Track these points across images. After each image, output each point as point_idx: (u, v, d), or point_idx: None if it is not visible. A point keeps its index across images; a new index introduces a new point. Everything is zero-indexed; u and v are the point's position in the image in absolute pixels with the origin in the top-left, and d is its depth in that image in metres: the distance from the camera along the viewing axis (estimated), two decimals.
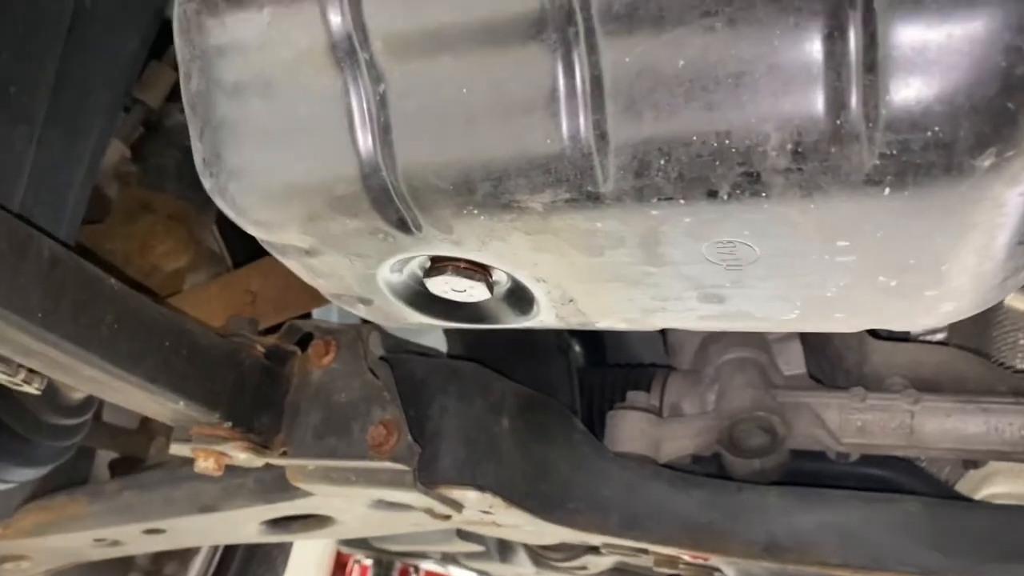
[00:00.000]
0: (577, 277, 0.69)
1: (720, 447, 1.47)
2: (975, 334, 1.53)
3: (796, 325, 0.70)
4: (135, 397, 1.02)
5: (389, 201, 0.64)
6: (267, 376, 1.17)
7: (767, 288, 0.65)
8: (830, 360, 1.61)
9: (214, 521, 1.34)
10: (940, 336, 1.60)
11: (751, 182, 0.54)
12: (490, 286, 0.73)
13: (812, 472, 1.55)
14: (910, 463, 1.55)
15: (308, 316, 1.52)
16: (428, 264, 0.74)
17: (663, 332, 1.75)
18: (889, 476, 1.53)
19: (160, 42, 1.62)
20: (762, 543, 1.30)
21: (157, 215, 1.59)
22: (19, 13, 1.05)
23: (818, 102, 0.51)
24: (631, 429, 1.44)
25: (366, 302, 0.81)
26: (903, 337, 1.57)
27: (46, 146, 1.09)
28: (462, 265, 0.72)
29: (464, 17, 0.57)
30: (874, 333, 1.53)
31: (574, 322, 0.77)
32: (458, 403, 1.18)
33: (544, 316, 0.77)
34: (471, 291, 0.74)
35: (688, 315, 0.71)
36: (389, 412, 1.10)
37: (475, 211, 0.62)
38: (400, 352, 1.25)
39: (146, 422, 1.87)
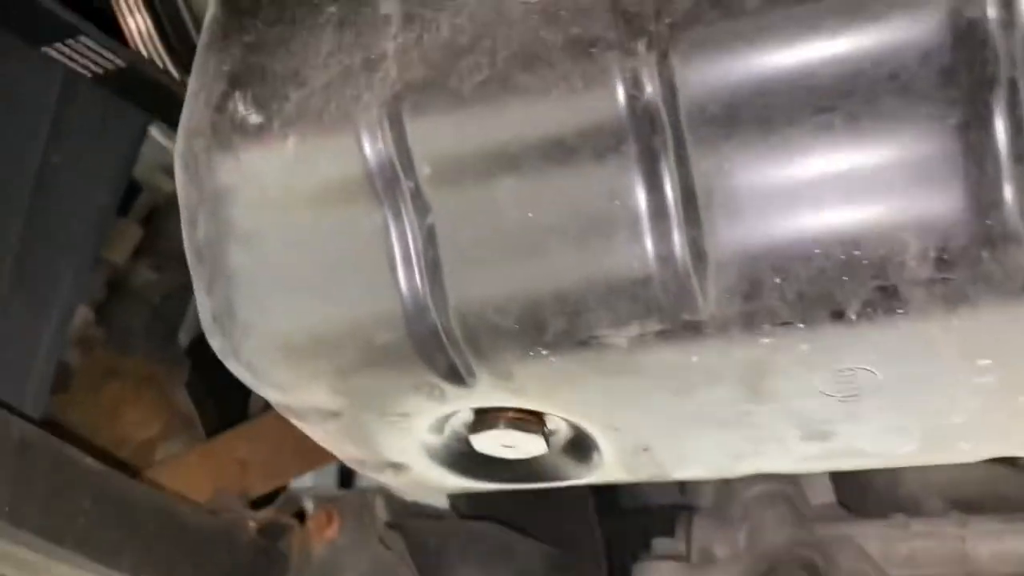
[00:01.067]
0: (659, 422, 0.59)
1: None
2: None
3: (911, 459, 0.61)
4: None
5: (438, 348, 0.55)
6: (263, 556, 1.04)
7: (884, 419, 0.56)
8: (859, 486, 1.51)
9: None
10: None
11: (886, 298, 0.46)
12: (546, 438, 0.63)
13: None
14: None
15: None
16: (473, 418, 0.64)
17: None
18: None
19: (124, 197, 1.53)
20: None
21: (125, 381, 1.46)
22: None
23: (963, 201, 0.44)
24: None
25: (398, 468, 0.70)
26: None
27: (11, 314, 0.98)
28: (514, 416, 0.62)
29: (529, 133, 0.49)
30: None
31: (644, 474, 0.67)
32: (481, 572, 1.05)
33: (609, 469, 0.66)
34: (524, 446, 0.64)
35: (785, 458, 0.62)
36: None
37: (544, 352, 0.53)
38: (407, 515, 1.12)
39: None
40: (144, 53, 0.98)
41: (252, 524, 1.05)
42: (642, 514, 1.54)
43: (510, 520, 1.19)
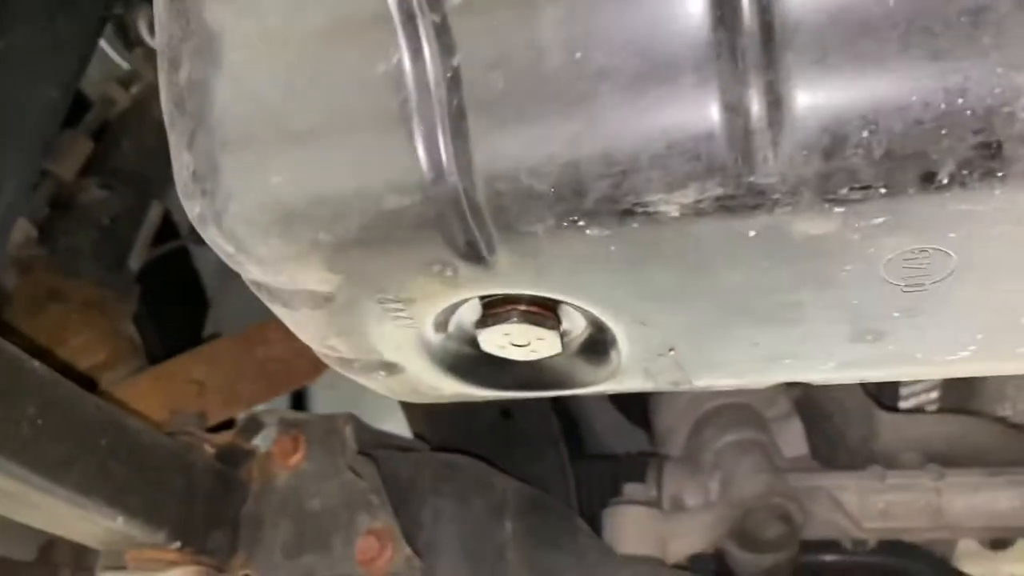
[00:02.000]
0: (694, 315, 0.53)
1: (731, 542, 1.31)
2: (965, 393, 1.44)
3: (962, 367, 0.56)
4: (59, 514, 0.80)
5: (457, 216, 0.48)
6: (221, 482, 0.96)
7: (947, 316, 0.51)
8: (829, 438, 1.48)
9: None
10: (933, 406, 1.51)
11: (987, 157, 0.40)
12: (562, 336, 0.57)
13: (824, 565, 1.41)
14: (926, 551, 1.42)
15: None
16: (481, 312, 0.57)
17: (643, 418, 1.61)
18: (908, 566, 1.39)
19: (73, 111, 1.42)
20: None
21: (70, 304, 1.36)
22: None
23: None
24: (634, 527, 1.27)
25: (391, 370, 0.63)
26: (892, 407, 1.47)
27: None
28: (528, 309, 0.56)
29: None
30: (881, 404, 1.42)
31: (664, 380, 0.61)
32: (454, 505, 1.00)
33: (625, 374, 0.60)
34: (537, 345, 0.57)
35: (824, 363, 0.56)
36: (379, 519, 0.91)
37: (581, 223, 0.46)
38: (379, 446, 1.05)
39: (46, 551, 1.57)
40: None
41: (210, 448, 0.97)
42: (610, 461, 1.49)
43: (480, 457, 1.13)
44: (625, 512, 1.29)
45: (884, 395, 1.49)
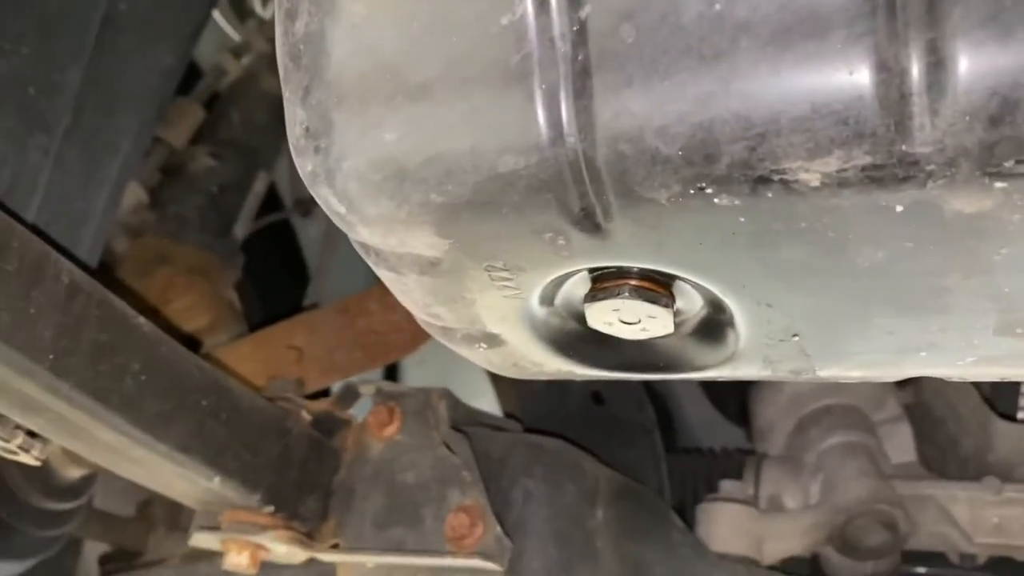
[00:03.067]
0: (825, 298, 0.49)
1: (831, 546, 1.26)
2: None
3: None
4: (159, 470, 0.81)
5: (576, 180, 0.45)
6: (315, 450, 0.96)
7: None
8: (940, 446, 1.40)
9: None
10: None
11: None
12: (675, 315, 0.54)
13: None
14: None
15: None
16: (590, 285, 0.55)
17: (745, 413, 1.56)
18: None
19: (186, 79, 1.45)
20: None
21: (176, 268, 1.39)
22: (43, 8, 0.88)
23: None
24: (730, 525, 1.22)
25: (492, 341, 0.61)
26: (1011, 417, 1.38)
27: (64, 165, 0.90)
28: (641, 283, 0.53)
29: None
30: (999, 413, 1.33)
31: (786, 369, 0.57)
32: (545, 488, 0.97)
33: (743, 360, 0.57)
34: (648, 323, 0.54)
35: (963, 357, 0.52)
36: (471, 496, 0.89)
37: (710, 190, 0.43)
38: (471, 423, 1.04)
39: (144, 508, 1.62)
40: None
41: (307, 415, 0.98)
42: (705, 456, 1.45)
43: (572, 442, 1.11)
44: (721, 509, 1.24)
45: (1001, 402, 1.40)
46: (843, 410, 1.37)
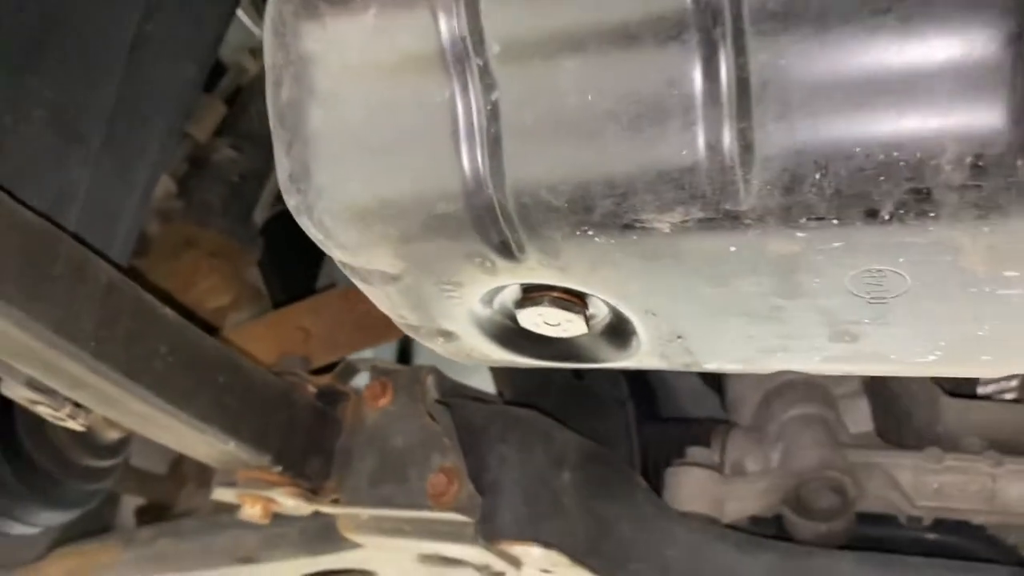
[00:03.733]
0: (695, 310, 0.62)
1: (786, 508, 1.39)
2: None
3: (935, 369, 0.63)
4: (183, 436, 0.96)
5: (492, 221, 0.59)
6: (319, 418, 1.11)
7: (910, 325, 0.58)
8: (897, 418, 1.52)
9: (252, 574, 1.26)
10: (1011, 394, 1.53)
11: (919, 200, 0.48)
12: (587, 320, 0.67)
13: (880, 538, 1.47)
14: (982, 529, 1.46)
15: None
16: (520, 295, 0.68)
17: (718, 386, 1.68)
18: (964, 544, 1.44)
19: (210, 76, 1.58)
20: None
21: (201, 251, 1.54)
22: (81, 35, 1.02)
23: (1006, 111, 0.45)
24: (693, 487, 1.36)
25: (447, 336, 0.75)
26: (971, 394, 1.50)
27: (100, 171, 1.05)
28: (559, 295, 0.66)
29: (596, 17, 0.52)
30: (945, 390, 1.45)
31: (678, 363, 0.70)
32: (518, 453, 1.11)
33: (644, 355, 0.70)
34: (566, 325, 0.68)
35: (812, 356, 0.65)
36: (449, 459, 1.04)
37: (590, 232, 0.56)
38: (457, 396, 1.18)
39: (176, 467, 1.80)
40: None
41: (312, 388, 1.12)
42: (680, 425, 1.58)
43: (551, 412, 1.25)
44: (687, 472, 1.38)
45: (964, 382, 1.52)
46: (805, 385, 1.49)
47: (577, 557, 1.09)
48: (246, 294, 1.58)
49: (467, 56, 0.55)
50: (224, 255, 1.56)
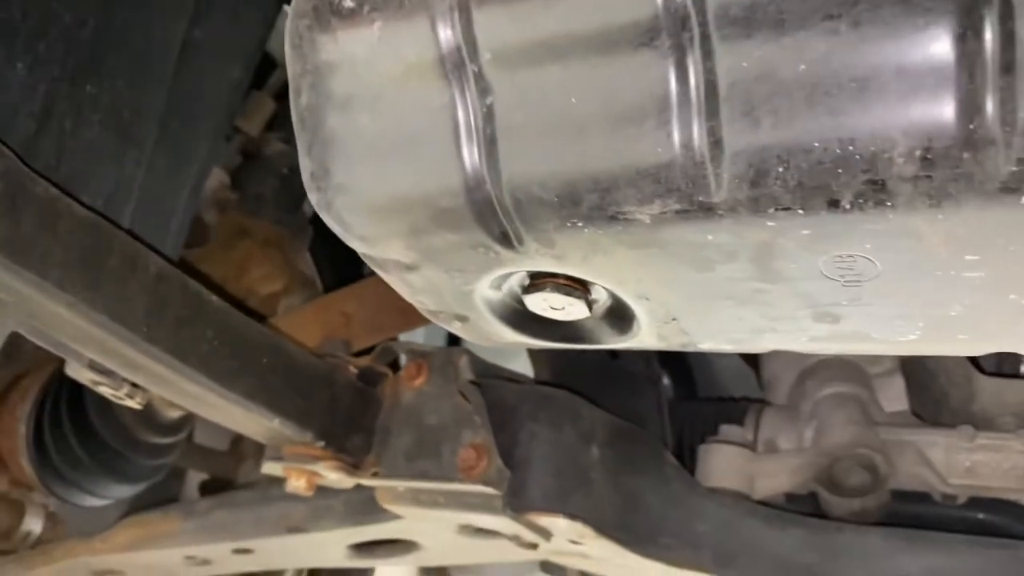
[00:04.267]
0: (683, 294, 0.67)
1: (818, 485, 1.42)
2: None
3: (916, 348, 0.67)
4: (231, 414, 1.04)
5: (492, 214, 0.63)
6: (359, 397, 1.18)
7: (887, 306, 0.62)
8: (934, 398, 1.53)
9: (301, 543, 1.34)
10: None
11: (876, 190, 0.52)
12: (589, 304, 0.72)
13: (915, 515, 1.48)
14: (1011, 503, 1.46)
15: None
16: (527, 281, 0.73)
17: (757, 366, 1.71)
18: (999, 521, 1.44)
19: (260, 73, 1.66)
20: None
21: (254, 240, 1.62)
22: (134, 43, 1.10)
23: (950, 106, 0.49)
24: (724, 464, 1.40)
25: (463, 319, 0.80)
26: (1013, 374, 1.50)
27: (153, 170, 1.13)
28: (561, 281, 0.71)
29: (574, 26, 0.56)
30: (981, 369, 1.46)
31: (676, 343, 0.75)
32: (548, 430, 1.17)
33: (644, 336, 0.75)
34: (569, 309, 0.73)
35: (799, 336, 0.69)
36: (479, 436, 1.09)
37: (579, 224, 0.61)
38: (490, 377, 1.24)
39: (236, 444, 1.90)
40: None
41: (352, 369, 1.19)
42: (716, 404, 1.62)
43: (584, 392, 1.30)
44: (718, 449, 1.41)
45: (1007, 361, 1.52)
46: (840, 364, 1.51)
47: (604, 529, 1.15)
48: (297, 280, 1.66)
49: (463, 63, 0.60)
50: (276, 244, 1.64)
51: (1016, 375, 1.50)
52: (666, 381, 1.72)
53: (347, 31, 0.63)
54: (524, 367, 1.51)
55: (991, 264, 0.55)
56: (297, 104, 0.68)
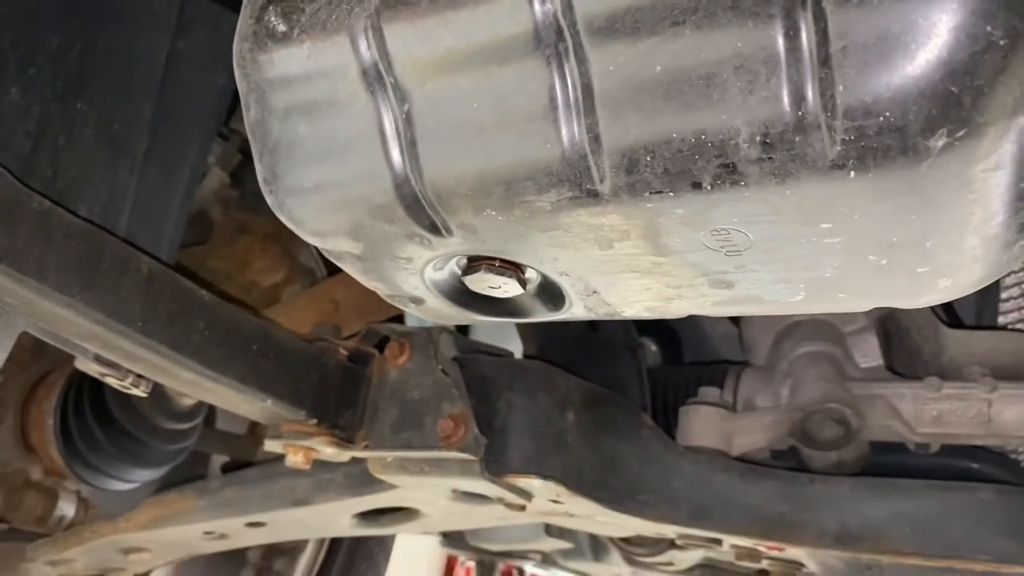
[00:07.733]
0: (595, 269, 0.75)
1: (794, 440, 1.49)
2: None
3: (805, 307, 0.74)
4: (227, 397, 1.14)
5: (420, 208, 0.72)
6: (349, 376, 1.27)
7: (769, 272, 0.69)
8: (908, 352, 1.60)
9: (308, 514, 1.44)
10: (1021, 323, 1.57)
11: (729, 172, 0.59)
12: (522, 282, 0.80)
13: (894, 465, 1.55)
14: (996, 453, 1.53)
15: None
16: (465, 263, 0.81)
17: (739, 329, 1.78)
18: (975, 467, 1.51)
19: None
20: (834, 533, 1.31)
21: (254, 235, 1.72)
22: (120, 59, 1.19)
23: (781, 96, 0.56)
24: (703, 423, 1.47)
25: (417, 301, 0.89)
26: (990, 326, 1.55)
27: (146, 176, 1.22)
28: (495, 263, 0.79)
29: (469, 40, 0.64)
30: (949, 323, 1.52)
31: (602, 312, 0.82)
32: (524, 398, 1.25)
33: (575, 308, 0.83)
34: (505, 287, 0.81)
35: (703, 301, 0.76)
36: (457, 407, 1.18)
37: (493, 212, 0.69)
38: (471, 352, 1.32)
39: (255, 428, 2.01)
40: None
41: (342, 351, 1.29)
42: (697, 368, 1.69)
43: (567, 363, 1.38)
44: (697, 410, 1.49)
45: (986, 312, 1.58)
46: (813, 324, 1.58)
47: (580, 488, 1.23)
48: (298, 271, 1.76)
49: (382, 76, 0.68)
50: (275, 238, 1.74)
51: (993, 326, 1.57)
52: (653, 348, 1.79)
53: (281, 51, 0.72)
54: (516, 344, 1.60)
55: (844, 230, 0.62)
56: (248, 118, 0.77)
